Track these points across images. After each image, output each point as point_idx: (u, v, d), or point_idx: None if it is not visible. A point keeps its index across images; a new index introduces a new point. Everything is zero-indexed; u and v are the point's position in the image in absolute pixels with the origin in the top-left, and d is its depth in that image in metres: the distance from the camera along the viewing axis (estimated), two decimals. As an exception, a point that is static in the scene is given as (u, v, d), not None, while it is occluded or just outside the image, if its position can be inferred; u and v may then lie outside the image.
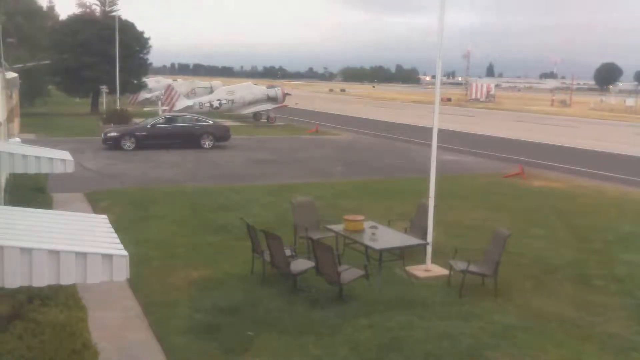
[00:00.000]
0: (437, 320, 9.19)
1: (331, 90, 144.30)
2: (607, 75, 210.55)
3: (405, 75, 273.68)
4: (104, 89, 45.48)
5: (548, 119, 60.30)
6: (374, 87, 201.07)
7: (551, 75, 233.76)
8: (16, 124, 16.82)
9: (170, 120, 30.65)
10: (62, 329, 6.28)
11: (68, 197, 16.88)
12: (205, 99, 46.43)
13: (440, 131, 11.53)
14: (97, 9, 52.15)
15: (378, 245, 10.77)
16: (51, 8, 57.32)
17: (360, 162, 26.73)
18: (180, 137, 29.07)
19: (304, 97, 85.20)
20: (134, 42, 48.99)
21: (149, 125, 29.36)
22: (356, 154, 29.35)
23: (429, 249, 11.46)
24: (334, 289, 9.95)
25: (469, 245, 12.30)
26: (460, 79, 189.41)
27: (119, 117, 37.78)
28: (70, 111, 48.49)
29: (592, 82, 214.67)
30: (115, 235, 5.90)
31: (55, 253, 4.98)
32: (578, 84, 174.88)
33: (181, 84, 61.32)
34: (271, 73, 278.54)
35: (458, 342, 8.50)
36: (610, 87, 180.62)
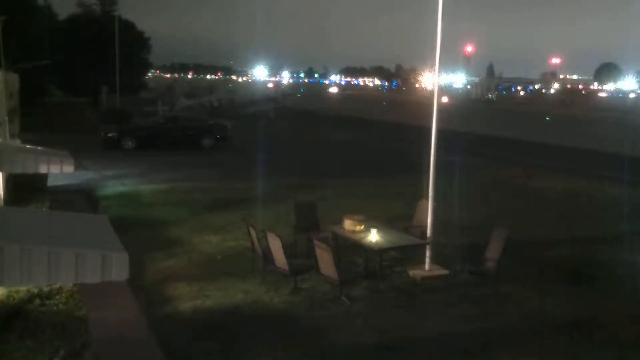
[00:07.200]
0: (437, 320, 9.19)
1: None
2: (607, 75, 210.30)
3: (406, 76, 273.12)
4: (104, 88, 45.45)
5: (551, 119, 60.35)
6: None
7: (551, 75, 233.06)
8: (16, 123, 16.81)
9: (170, 119, 30.64)
10: (62, 329, 6.28)
11: (68, 197, 16.88)
12: (205, 98, 46.46)
13: (441, 131, 11.52)
14: (97, 9, 52.17)
15: (378, 245, 10.77)
16: (47, 7, 57.23)
17: (362, 162, 26.75)
18: (180, 136, 29.05)
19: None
20: (134, 42, 49.00)
21: (149, 125, 29.32)
22: (358, 154, 29.36)
23: (429, 248, 11.45)
24: (333, 289, 9.95)
25: (469, 245, 12.30)
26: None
27: (119, 117, 37.80)
28: (70, 111, 48.36)
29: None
30: (115, 235, 5.91)
31: (55, 253, 4.99)
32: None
33: (181, 83, 61.42)
34: (271, 73, 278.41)
35: (458, 342, 8.50)
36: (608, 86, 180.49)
